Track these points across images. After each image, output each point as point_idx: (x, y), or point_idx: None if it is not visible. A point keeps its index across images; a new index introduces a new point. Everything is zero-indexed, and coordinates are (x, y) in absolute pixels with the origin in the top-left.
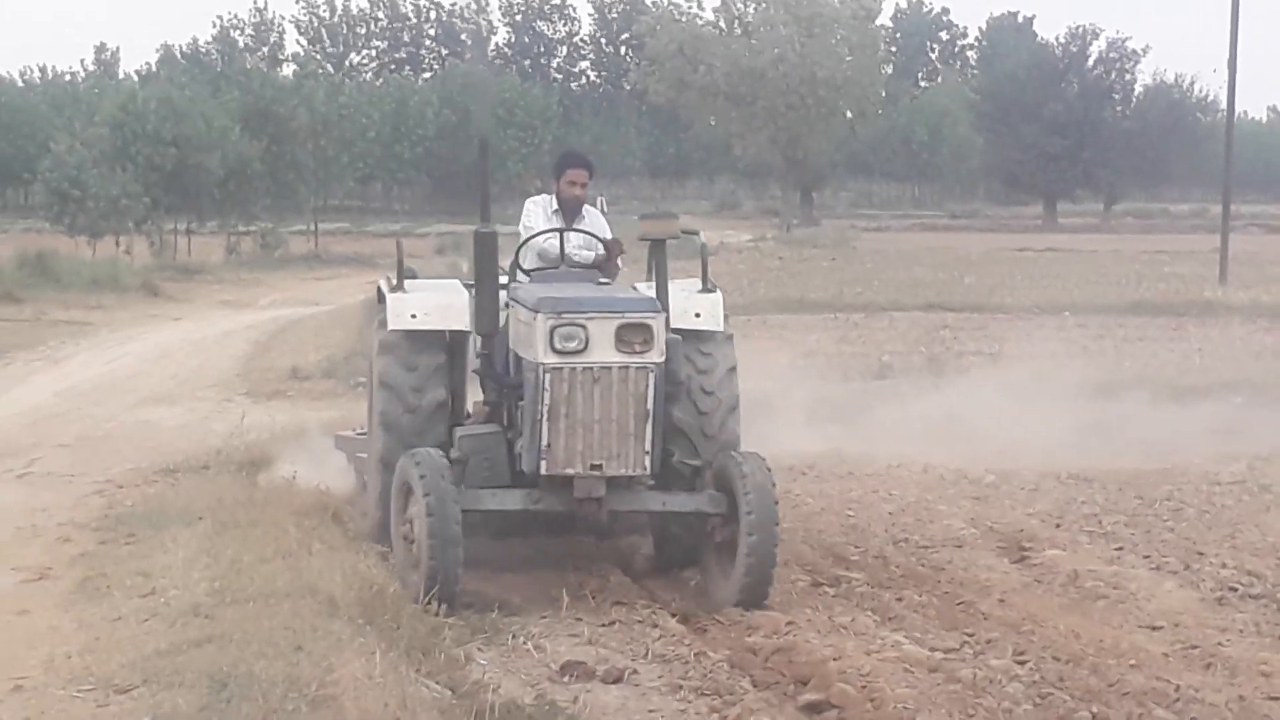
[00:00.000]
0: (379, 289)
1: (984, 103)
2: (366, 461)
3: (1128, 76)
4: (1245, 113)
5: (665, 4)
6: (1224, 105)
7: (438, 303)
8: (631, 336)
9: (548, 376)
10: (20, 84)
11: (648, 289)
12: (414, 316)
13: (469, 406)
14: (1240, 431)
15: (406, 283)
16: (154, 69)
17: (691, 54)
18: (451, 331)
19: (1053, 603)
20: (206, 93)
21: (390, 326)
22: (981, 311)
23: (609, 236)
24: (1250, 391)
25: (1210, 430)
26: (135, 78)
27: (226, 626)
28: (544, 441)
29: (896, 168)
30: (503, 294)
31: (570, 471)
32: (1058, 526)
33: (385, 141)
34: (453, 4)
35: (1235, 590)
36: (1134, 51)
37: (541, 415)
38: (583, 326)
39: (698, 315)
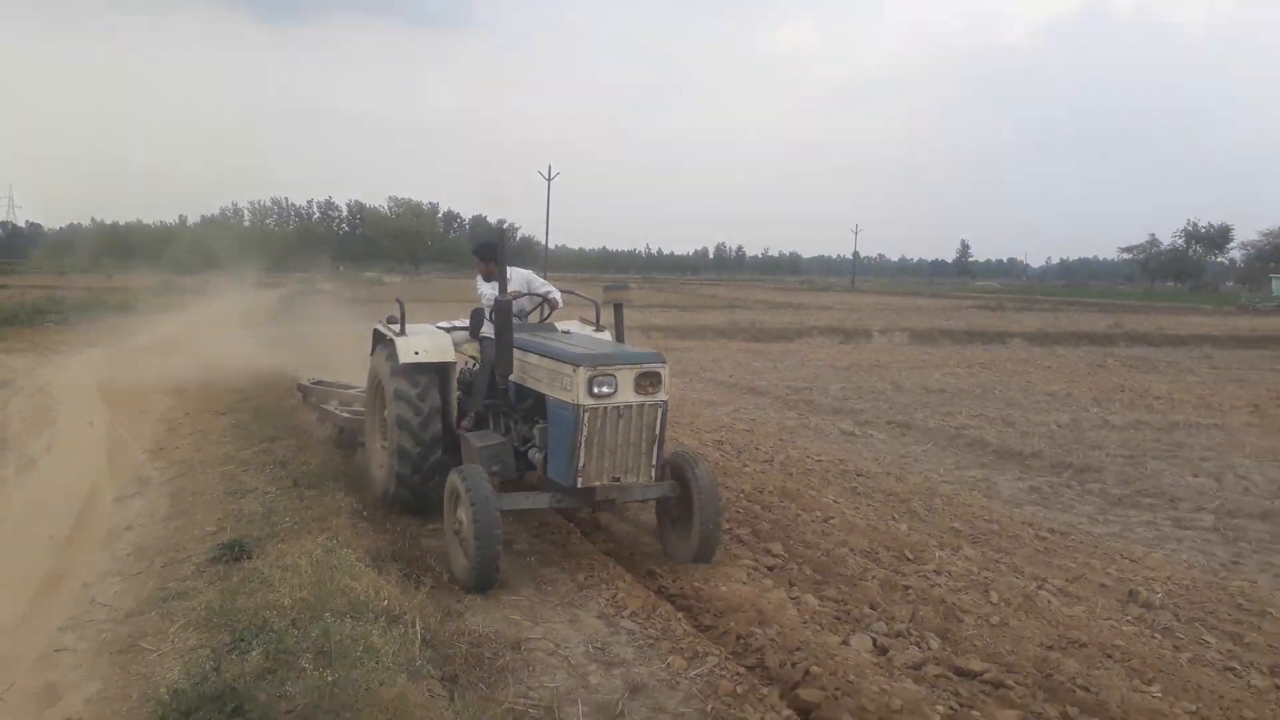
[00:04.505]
0: (378, 331)
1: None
2: (384, 447)
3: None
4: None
5: (371, 207)
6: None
7: (432, 344)
8: (646, 382)
9: (586, 414)
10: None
11: (602, 335)
12: (417, 354)
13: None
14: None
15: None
16: None
17: (379, 224)
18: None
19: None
20: None
21: (401, 361)
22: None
23: (521, 288)
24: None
25: None
26: None
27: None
28: (580, 463)
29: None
30: (458, 334)
31: (597, 484)
32: None
33: None
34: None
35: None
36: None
37: (579, 443)
38: (613, 376)
39: None
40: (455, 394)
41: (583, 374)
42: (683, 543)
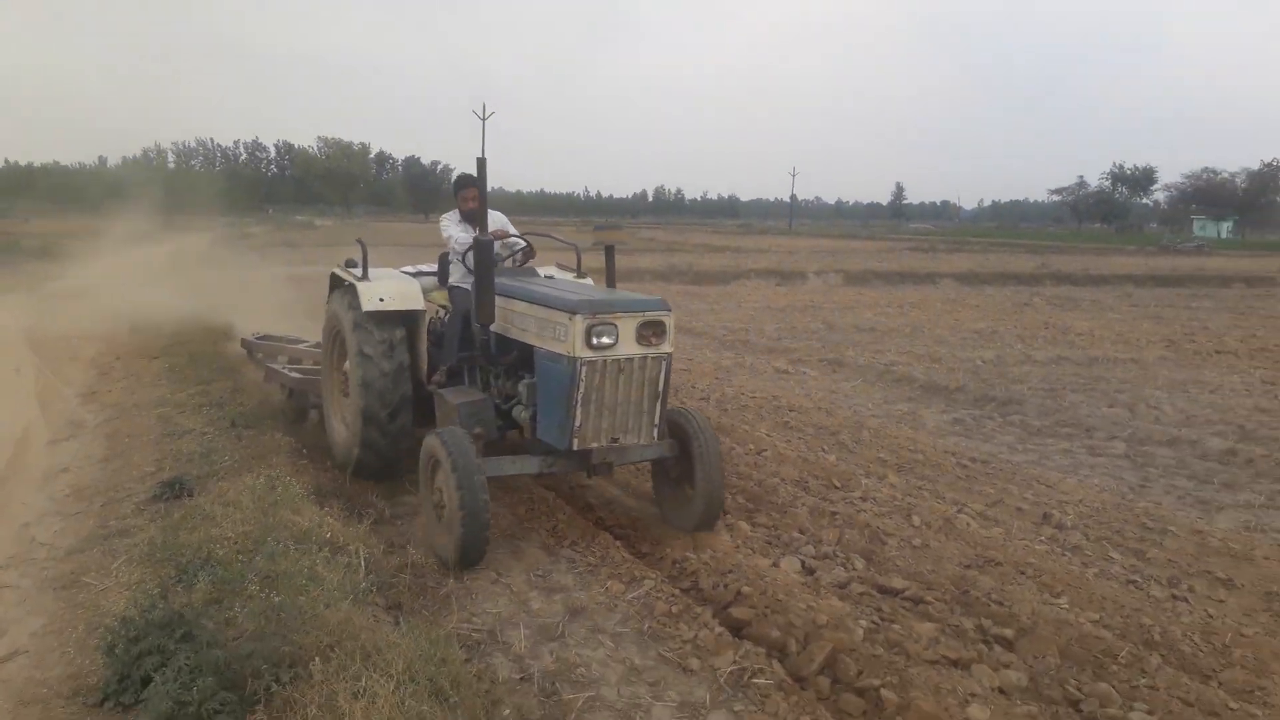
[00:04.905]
0: (336, 275)
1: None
2: (345, 407)
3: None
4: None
5: (300, 147)
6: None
7: (398, 290)
8: (649, 332)
9: (584, 368)
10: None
11: (586, 282)
12: (382, 300)
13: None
14: None
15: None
16: None
17: (308, 164)
18: (406, 310)
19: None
20: None
21: (364, 309)
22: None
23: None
24: None
25: None
26: None
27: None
28: (576, 423)
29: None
30: (426, 280)
31: (594, 445)
32: None
33: None
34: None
35: None
36: (450, 166)
37: (576, 401)
38: (614, 325)
39: None
40: (425, 347)
41: (580, 322)
42: (682, 509)
